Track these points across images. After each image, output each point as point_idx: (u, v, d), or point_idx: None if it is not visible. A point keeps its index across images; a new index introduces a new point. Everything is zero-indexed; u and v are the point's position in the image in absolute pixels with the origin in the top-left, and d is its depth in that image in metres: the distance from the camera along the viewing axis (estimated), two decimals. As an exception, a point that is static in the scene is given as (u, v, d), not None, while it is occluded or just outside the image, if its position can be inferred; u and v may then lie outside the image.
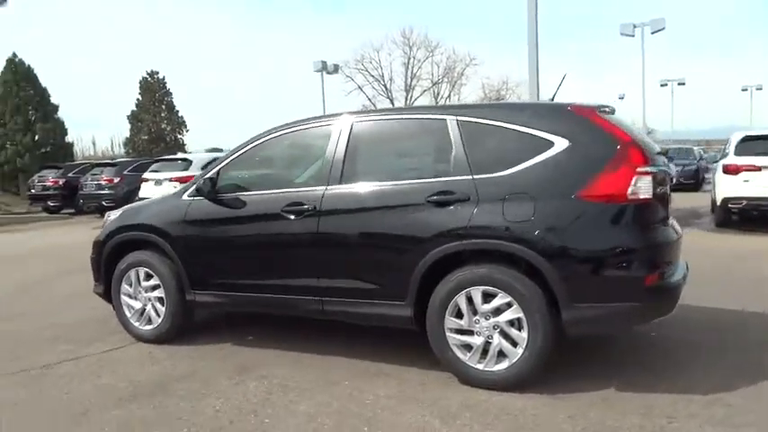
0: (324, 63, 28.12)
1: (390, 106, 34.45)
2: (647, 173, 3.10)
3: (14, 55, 23.32)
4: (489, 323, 3.21)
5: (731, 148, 9.53)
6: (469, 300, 3.24)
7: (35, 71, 23.73)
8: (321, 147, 3.80)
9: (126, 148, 30.45)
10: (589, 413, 2.88)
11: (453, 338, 3.29)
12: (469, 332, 3.26)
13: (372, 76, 41.59)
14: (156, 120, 30.25)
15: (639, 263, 3.08)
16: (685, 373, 3.35)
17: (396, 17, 77.95)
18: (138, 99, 30.38)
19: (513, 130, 3.32)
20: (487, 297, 3.21)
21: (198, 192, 4.06)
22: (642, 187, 3.08)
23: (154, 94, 30.24)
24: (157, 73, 30.54)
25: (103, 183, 16.56)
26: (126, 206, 5.05)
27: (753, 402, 2.94)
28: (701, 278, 4.40)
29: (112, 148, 32.26)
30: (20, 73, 23.14)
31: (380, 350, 3.82)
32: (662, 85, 40.53)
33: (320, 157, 3.82)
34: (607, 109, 3.46)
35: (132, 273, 4.34)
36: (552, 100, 3.81)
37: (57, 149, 23.58)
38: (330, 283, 3.63)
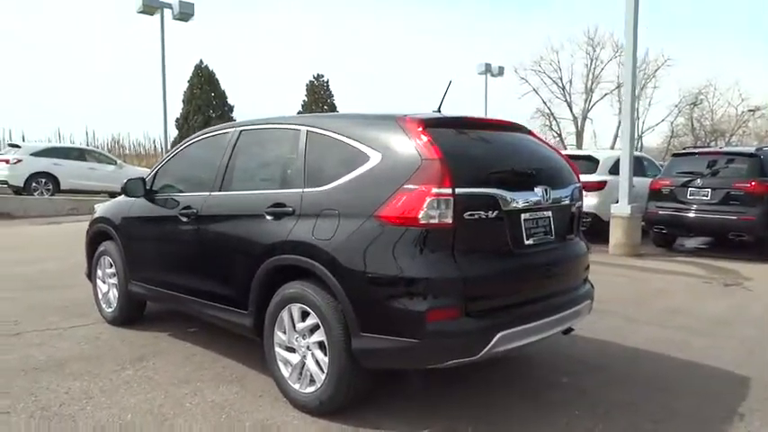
0: (488, 66, 27.75)
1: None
2: (444, 195, 2.70)
3: (201, 61, 26.94)
4: (305, 342, 3.08)
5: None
6: (291, 316, 3.14)
7: (216, 75, 27.13)
8: (219, 153, 3.92)
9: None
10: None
11: (279, 354, 3.22)
12: (291, 349, 3.16)
13: (550, 78, 40.22)
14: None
15: (423, 296, 2.69)
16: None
17: (579, 17, 73.44)
18: (303, 101, 33.00)
19: (343, 142, 3.12)
20: (304, 315, 3.08)
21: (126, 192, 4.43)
22: (438, 212, 2.70)
23: (318, 96, 32.58)
24: (323, 76, 32.93)
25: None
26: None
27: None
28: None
29: None
30: (204, 77, 26.62)
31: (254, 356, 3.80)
32: None
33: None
34: (449, 120, 3.13)
35: (101, 259, 4.93)
36: (438, 110, 3.47)
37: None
38: (204, 287, 3.75)
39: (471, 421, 3.01)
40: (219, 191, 3.75)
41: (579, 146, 38.98)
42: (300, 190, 3.17)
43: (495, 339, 2.74)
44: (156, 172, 4.48)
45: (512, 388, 3.52)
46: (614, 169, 9.76)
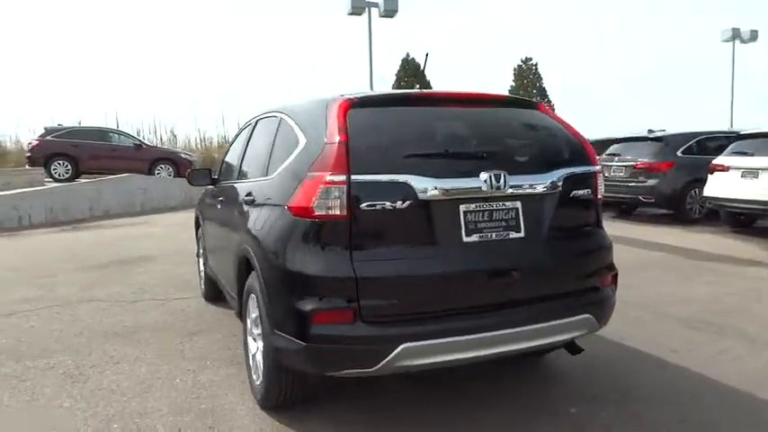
0: (736, 30, 23.70)
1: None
2: (337, 183, 2.41)
3: (407, 55, 28.07)
4: (256, 333, 3.06)
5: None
6: (249, 306, 3.15)
7: (422, 67, 27.93)
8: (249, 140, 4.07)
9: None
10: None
11: (247, 342, 3.25)
12: (254, 339, 3.16)
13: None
14: (524, 105, 31.42)
15: (311, 296, 2.43)
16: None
17: None
18: (511, 86, 32.13)
19: (291, 128, 2.99)
20: (255, 306, 3.05)
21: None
22: (331, 201, 2.41)
23: (526, 80, 31.41)
24: (531, 59, 31.64)
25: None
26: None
27: None
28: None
29: None
30: (410, 69, 27.68)
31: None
32: None
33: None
34: (389, 98, 2.77)
35: (198, 241, 5.54)
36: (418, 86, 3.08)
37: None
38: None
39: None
40: (237, 179, 3.93)
41: None
42: (263, 179, 3.16)
43: (396, 351, 2.38)
44: (223, 159, 4.85)
45: (494, 412, 3.03)
46: None
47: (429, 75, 27.62)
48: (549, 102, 31.69)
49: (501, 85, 36.20)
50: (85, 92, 42.71)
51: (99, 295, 5.64)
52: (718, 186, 9.03)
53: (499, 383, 3.38)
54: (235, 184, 3.83)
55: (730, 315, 4.66)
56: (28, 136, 19.93)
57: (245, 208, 3.24)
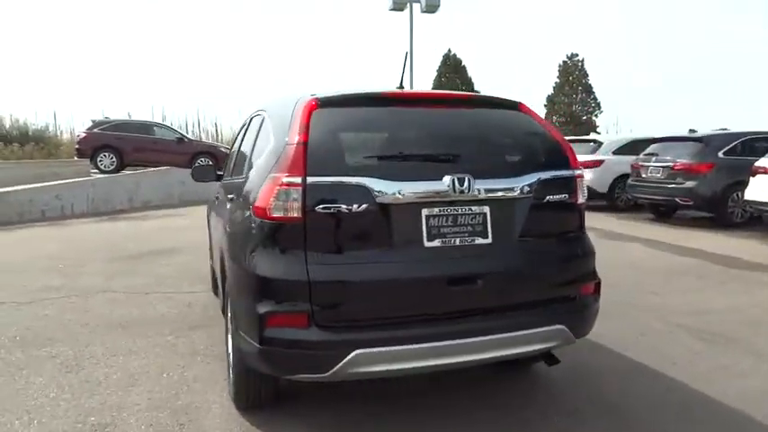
0: None
1: None
2: (293, 184, 2.39)
3: (449, 50, 27.81)
4: (231, 329, 3.08)
5: None
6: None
7: (463, 63, 27.67)
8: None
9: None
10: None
11: (228, 340, 3.27)
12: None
13: None
14: (569, 102, 30.67)
15: (265, 298, 2.42)
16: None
17: None
18: (555, 82, 31.36)
19: (267, 126, 2.99)
20: (232, 305, 3.07)
21: None
22: (286, 203, 2.39)
23: (571, 77, 30.58)
24: (577, 55, 30.76)
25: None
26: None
27: None
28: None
29: None
30: (451, 65, 27.42)
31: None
32: None
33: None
34: (358, 98, 2.70)
35: (209, 236, 5.63)
36: (400, 86, 3.02)
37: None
38: None
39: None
40: (239, 175, 3.94)
41: None
42: (242, 177, 3.17)
43: (349, 358, 2.35)
44: (228, 155, 4.91)
45: (466, 413, 2.96)
46: None
47: (471, 71, 27.39)
48: (595, 99, 30.81)
49: (545, 81, 35.42)
50: (136, 86, 44.21)
51: (116, 286, 5.82)
52: (760, 190, 8.58)
53: (482, 386, 3.30)
54: (226, 182, 3.88)
55: (746, 328, 4.42)
56: (81, 129, 20.85)
57: (228, 206, 3.28)
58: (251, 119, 3.95)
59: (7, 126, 23.13)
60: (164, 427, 2.86)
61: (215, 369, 3.58)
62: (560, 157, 2.86)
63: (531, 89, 44.58)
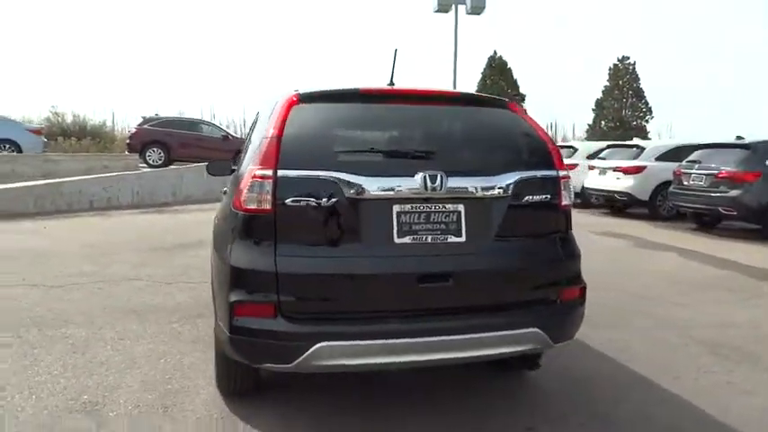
0: None
1: None
2: (265, 177, 2.45)
3: (495, 52, 27.48)
4: (221, 319, 3.17)
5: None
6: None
7: (509, 65, 27.30)
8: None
9: (587, 133, 31.17)
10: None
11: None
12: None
13: None
14: (619, 106, 29.80)
15: (235, 288, 2.48)
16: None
17: None
18: (605, 86, 30.51)
19: (259, 120, 3.09)
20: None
21: None
22: (258, 195, 2.45)
23: (622, 80, 29.71)
24: (628, 58, 29.84)
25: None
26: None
27: None
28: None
29: (573, 133, 33.36)
30: (497, 68, 27.09)
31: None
32: None
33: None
34: (336, 94, 2.75)
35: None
36: (391, 83, 3.03)
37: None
38: None
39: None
40: None
41: None
42: (237, 170, 3.25)
43: (312, 350, 2.38)
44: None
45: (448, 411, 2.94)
46: None
47: (516, 74, 26.97)
48: (647, 104, 29.82)
49: (594, 85, 34.45)
50: (190, 86, 45.67)
51: (143, 275, 6.05)
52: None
53: (468, 386, 3.28)
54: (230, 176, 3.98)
55: (764, 343, 4.21)
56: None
57: (223, 198, 3.38)
58: (257, 113, 4.05)
59: (68, 121, 24.32)
60: (149, 408, 2.97)
61: (210, 357, 3.67)
62: (544, 158, 2.82)
63: (579, 92, 43.43)
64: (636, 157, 12.37)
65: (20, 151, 15.83)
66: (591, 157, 14.26)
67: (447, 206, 2.60)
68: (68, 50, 47.03)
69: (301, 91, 2.77)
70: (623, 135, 27.11)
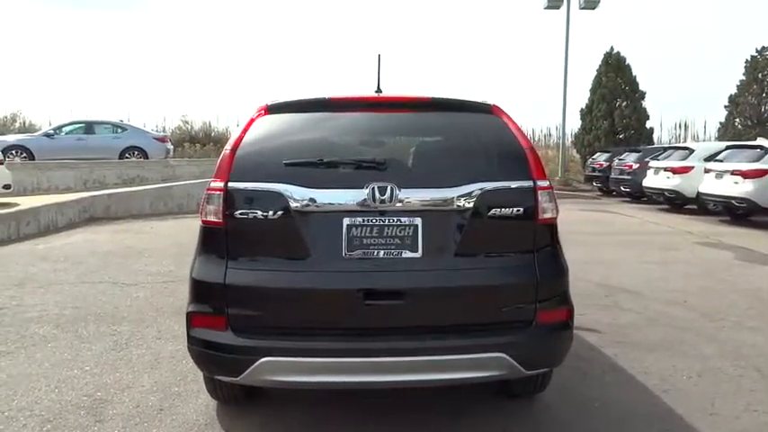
0: None
1: None
2: (217, 189, 2.51)
3: (611, 48, 25.67)
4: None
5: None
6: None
7: (627, 61, 25.41)
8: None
9: (719, 132, 28.19)
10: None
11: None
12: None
13: None
14: (757, 102, 26.61)
15: (193, 299, 2.60)
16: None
17: None
18: (740, 80, 27.44)
19: None
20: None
21: None
22: (212, 208, 2.53)
23: (760, 74, 26.53)
24: (767, 50, 26.55)
25: (624, 168, 17.39)
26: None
27: None
28: None
29: (705, 132, 30.26)
30: (613, 64, 25.35)
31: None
32: None
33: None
34: (303, 104, 2.75)
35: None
36: (378, 89, 2.96)
37: (636, 134, 24.73)
38: None
39: None
40: None
41: None
42: None
43: (256, 365, 2.38)
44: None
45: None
46: None
47: (636, 70, 25.09)
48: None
49: (727, 79, 31.20)
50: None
51: (210, 276, 6.41)
52: None
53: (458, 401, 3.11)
54: None
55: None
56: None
57: None
58: None
59: (197, 128, 26.47)
60: (147, 408, 3.14)
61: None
62: (519, 167, 2.60)
63: (713, 88, 39.59)
64: (759, 159, 11.11)
65: (146, 157, 17.48)
66: (709, 159, 13.06)
67: (402, 219, 2.48)
68: (198, 61, 51.32)
69: (270, 102, 2.79)
70: (762, 134, 24.32)
